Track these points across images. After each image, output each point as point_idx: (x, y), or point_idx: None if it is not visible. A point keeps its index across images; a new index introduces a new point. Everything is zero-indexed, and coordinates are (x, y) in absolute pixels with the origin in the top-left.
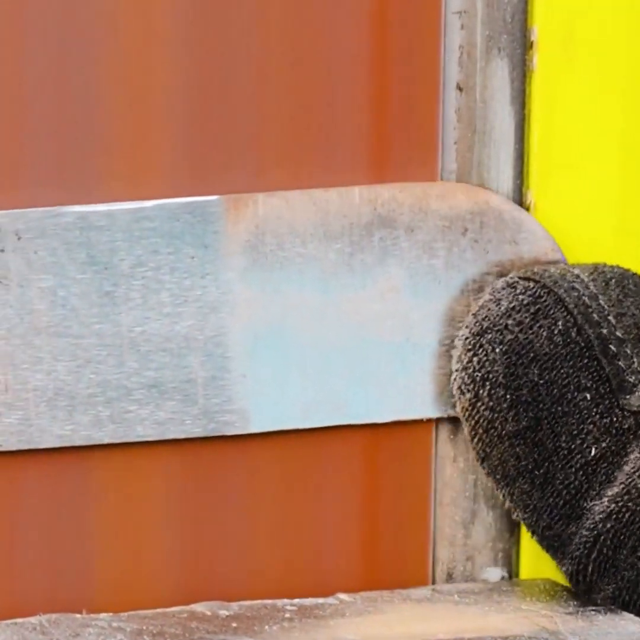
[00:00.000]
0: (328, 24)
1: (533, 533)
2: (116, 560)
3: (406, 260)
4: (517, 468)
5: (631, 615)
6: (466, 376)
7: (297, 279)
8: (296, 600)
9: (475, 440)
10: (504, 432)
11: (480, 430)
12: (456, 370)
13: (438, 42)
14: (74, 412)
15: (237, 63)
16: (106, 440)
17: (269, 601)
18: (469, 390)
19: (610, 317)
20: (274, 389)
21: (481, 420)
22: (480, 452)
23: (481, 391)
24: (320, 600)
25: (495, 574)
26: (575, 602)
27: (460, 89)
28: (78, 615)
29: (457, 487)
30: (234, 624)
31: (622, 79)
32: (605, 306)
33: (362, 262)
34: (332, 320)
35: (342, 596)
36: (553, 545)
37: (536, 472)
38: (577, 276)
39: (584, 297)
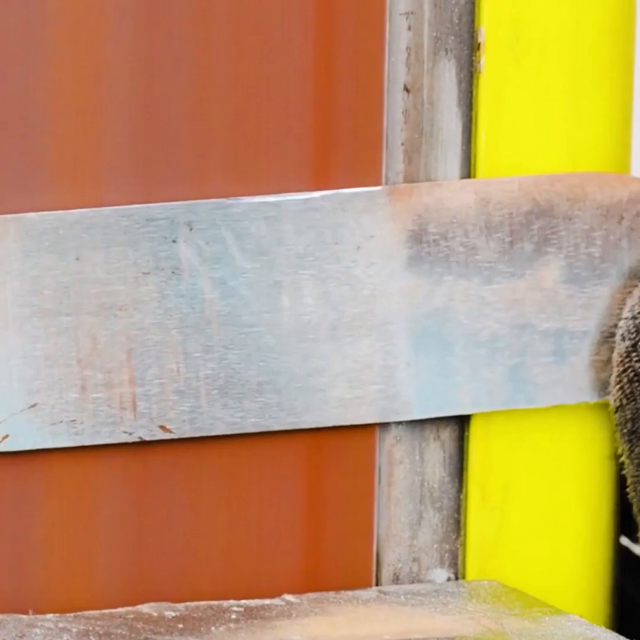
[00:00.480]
0: (272, 24)
1: (635, 491)
2: (63, 561)
3: (564, 249)
4: None
5: (576, 617)
6: (632, 325)
7: (459, 268)
8: (242, 602)
9: (617, 387)
10: None
11: (625, 380)
12: (625, 318)
13: (383, 44)
14: (244, 400)
15: (179, 67)
16: (276, 428)
17: (215, 602)
18: (630, 339)
19: None
20: (437, 377)
21: (629, 371)
22: (617, 401)
23: None
24: (267, 601)
25: (441, 575)
26: (521, 604)
27: (407, 90)
28: (24, 616)
29: (403, 489)
30: (180, 625)
31: (569, 80)
32: None
33: (522, 251)
34: (493, 308)
35: (288, 597)
36: None
37: None
38: None
39: None
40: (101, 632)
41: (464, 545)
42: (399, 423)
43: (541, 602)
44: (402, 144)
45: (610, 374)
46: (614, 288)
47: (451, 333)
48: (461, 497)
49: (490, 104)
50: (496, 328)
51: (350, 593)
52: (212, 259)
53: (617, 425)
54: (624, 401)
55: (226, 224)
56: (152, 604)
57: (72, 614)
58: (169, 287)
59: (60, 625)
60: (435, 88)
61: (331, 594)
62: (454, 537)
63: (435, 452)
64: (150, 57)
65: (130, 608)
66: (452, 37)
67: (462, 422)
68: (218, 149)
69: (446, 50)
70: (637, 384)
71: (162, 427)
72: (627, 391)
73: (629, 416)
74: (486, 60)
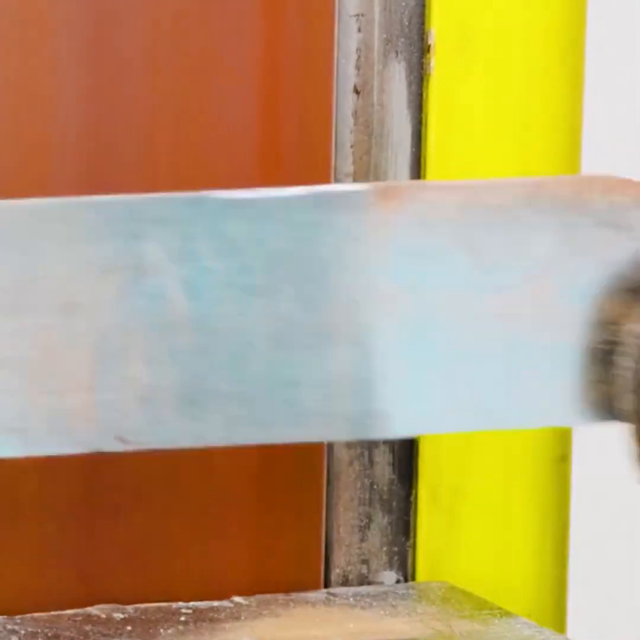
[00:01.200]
0: (220, 24)
1: None
2: (12, 562)
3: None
4: None
5: (525, 619)
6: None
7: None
8: (191, 603)
9: (637, 439)
10: None
11: None
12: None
13: (332, 45)
14: None
15: (128, 63)
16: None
17: (164, 604)
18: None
19: None
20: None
21: None
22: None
23: None
24: (216, 603)
25: (390, 577)
26: (470, 605)
27: (357, 92)
28: None
29: (353, 491)
30: (129, 627)
31: (518, 82)
32: None
33: None
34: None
35: (238, 599)
36: None
37: None
38: None
39: None
40: (50, 634)
41: (413, 547)
42: None
43: (491, 603)
44: (352, 146)
45: None
46: (611, 303)
47: (438, 345)
48: (411, 499)
49: (440, 105)
50: (482, 343)
51: (299, 595)
52: None
53: None
54: None
55: None
56: (101, 606)
57: (20, 616)
58: None
59: (9, 627)
60: (385, 90)
61: (280, 596)
62: (403, 539)
63: (385, 454)
64: (99, 49)
65: (78, 610)
66: (402, 39)
67: None
68: (166, 149)
69: (396, 52)
70: None
71: None
72: None
73: None
74: (436, 63)
